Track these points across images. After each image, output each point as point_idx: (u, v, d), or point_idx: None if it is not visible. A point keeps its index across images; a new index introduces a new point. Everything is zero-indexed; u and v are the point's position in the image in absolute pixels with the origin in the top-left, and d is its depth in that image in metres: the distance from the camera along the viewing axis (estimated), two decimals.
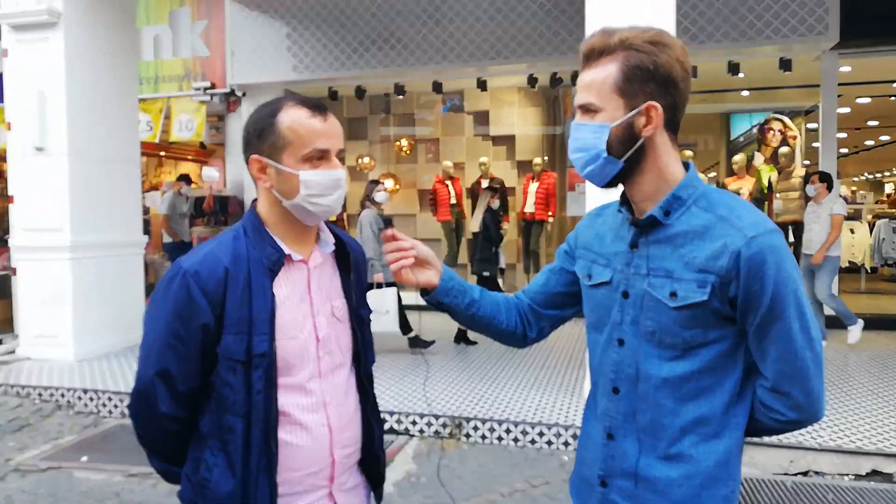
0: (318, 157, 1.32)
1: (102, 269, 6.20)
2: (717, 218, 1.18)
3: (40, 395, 5.18)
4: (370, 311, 1.55)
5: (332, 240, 1.45)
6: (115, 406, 4.93)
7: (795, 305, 1.15)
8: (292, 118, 1.30)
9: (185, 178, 9.10)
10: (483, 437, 4.26)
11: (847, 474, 3.70)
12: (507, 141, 10.42)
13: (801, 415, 1.20)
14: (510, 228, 9.82)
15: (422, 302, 1.49)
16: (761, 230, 1.15)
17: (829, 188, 6.26)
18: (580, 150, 1.24)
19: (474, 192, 9.53)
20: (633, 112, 1.19)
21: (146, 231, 7.60)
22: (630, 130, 1.20)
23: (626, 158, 1.21)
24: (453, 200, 9.57)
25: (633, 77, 1.18)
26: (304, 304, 1.38)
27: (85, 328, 6.01)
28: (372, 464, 1.51)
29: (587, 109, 1.22)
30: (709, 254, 1.16)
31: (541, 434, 4.16)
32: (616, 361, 1.27)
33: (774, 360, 1.17)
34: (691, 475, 1.20)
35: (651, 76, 1.17)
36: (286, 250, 1.36)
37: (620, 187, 1.28)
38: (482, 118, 10.43)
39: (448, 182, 9.60)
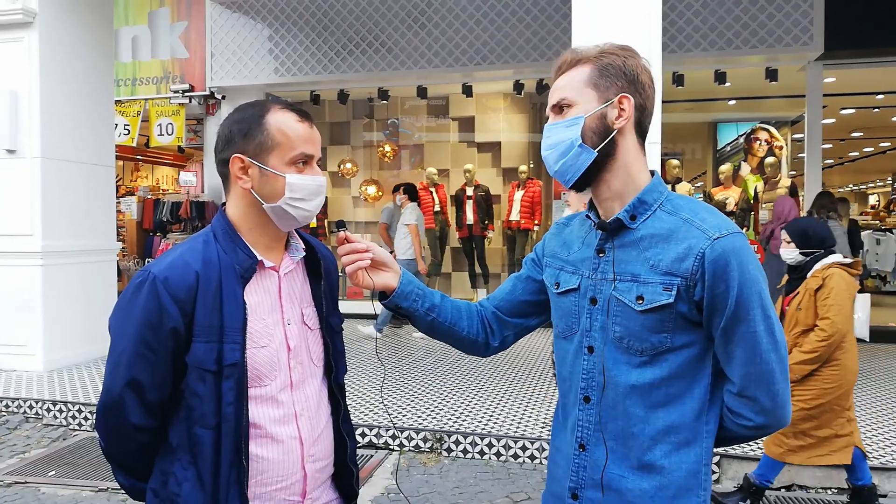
0: (304, 162, 1.31)
1: (74, 275, 6.03)
2: (682, 221, 1.20)
3: (7, 406, 5.02)
4: (341, 321, 1.50)
5: (302, 246, 1.42)
6: (86, 418, 4.78)
7: (760, 307, 1.16)
8: (281, 121, 1.29)
9: (406, 189, 7.49)
10: (465, 451, 4.16)
11: (829, 488, 3.70)
12: (493, 148, 10.35)
13: (768, 419, 1.20)
14: (495, 237, 9.75)
15: None
16: (725, 231, 1.16)
17: (412, 199, 7.19)
18: (552, 146, 1.27)
19: (458, 200, 9.47)
20: (606, 103, 1.22)
21: (119, 237, 7.43)
22: (603, 121, 1.22)
23: (599, 149, 1.22)
24: (437, 208, 9.47)
25: (606, 72, 1.22)
26: (275, 313, 1.35)
27: (55, 337, 5.83)
28: (344, 478, 1.46)
29: (560, 107, 1.26)
30: (674, 256, 1.17)
31: (523, 448, 4.07)
32: (587, 370, 1.26)
33: (740, 363, 1.17)
34: (664, 486, 1.20)
35: (622, 72, 1.22)
36: (258, 256, 1.32)
37: (588, 193, 1.30)
38: (467, 124, 10.36)
39: (432, 189, 9.50)
